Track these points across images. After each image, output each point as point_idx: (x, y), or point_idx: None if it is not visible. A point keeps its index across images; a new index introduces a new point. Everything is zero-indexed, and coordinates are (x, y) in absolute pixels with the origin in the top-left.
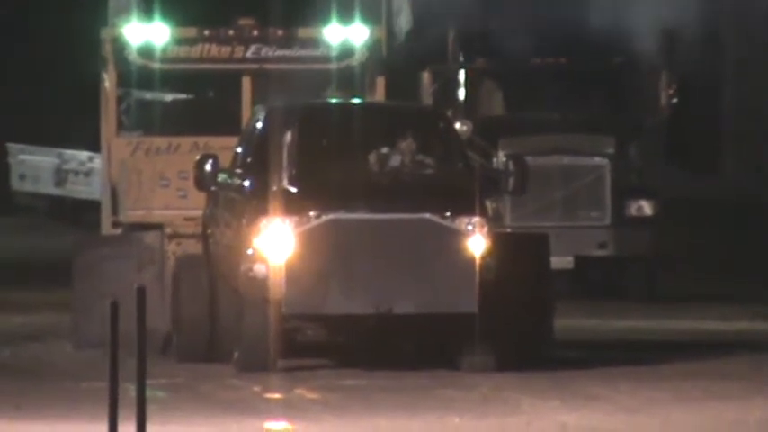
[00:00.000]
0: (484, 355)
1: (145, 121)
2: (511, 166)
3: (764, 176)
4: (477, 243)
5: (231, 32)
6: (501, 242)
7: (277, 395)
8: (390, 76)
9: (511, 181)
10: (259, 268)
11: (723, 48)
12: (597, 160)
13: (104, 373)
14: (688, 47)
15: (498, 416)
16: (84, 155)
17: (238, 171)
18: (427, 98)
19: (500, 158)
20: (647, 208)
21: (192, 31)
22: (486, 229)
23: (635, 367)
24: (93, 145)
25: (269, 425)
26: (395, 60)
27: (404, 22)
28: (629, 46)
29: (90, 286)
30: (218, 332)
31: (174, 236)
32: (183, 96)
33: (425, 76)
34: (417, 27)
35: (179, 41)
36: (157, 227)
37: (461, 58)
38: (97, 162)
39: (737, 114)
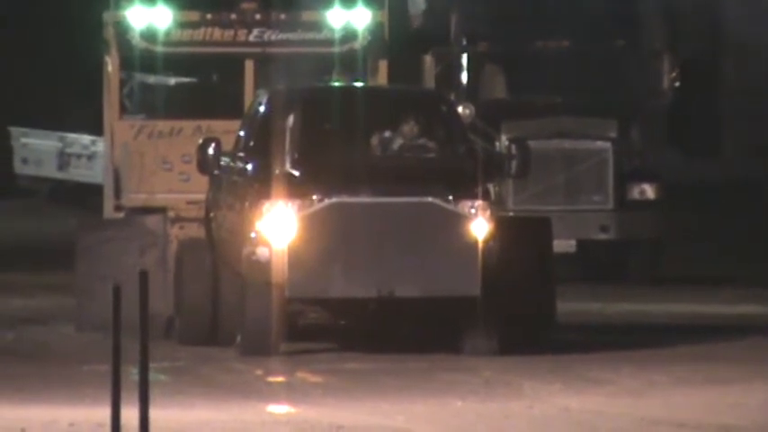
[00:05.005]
0: (486, 339)
1: (148, 104)
2: (513, 149)
3: (764, 159)
4: (479, 227)
5: (234, 16)
6: (504, 226)
7: (279, 379)
8: (393, 60)
9: (513, 164)
10: (262, 252)
11: (723, 30)
12: (600, 144)
13: (107, 356)
14: (689, 29)
15: (501, 399)
16: (86, 138)
17: (241, 155)
18: (430, 81)
19: (503, 142)
20: (649, 191)
21: (194, 15)
22: (488, 212)
23: (637, 351)
24: (96, 129)
25: (271, 408)
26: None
27: (420, 2)
28: (631, 29)
29: (92, 269)
30: (221, 316)
31: (177, 219)
32: (185, 80)
33: (428, 60)
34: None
35: (182, 25)
36: (160, 210)
37: (464, 42)
38: (100, 146)
39: (737, 98)
